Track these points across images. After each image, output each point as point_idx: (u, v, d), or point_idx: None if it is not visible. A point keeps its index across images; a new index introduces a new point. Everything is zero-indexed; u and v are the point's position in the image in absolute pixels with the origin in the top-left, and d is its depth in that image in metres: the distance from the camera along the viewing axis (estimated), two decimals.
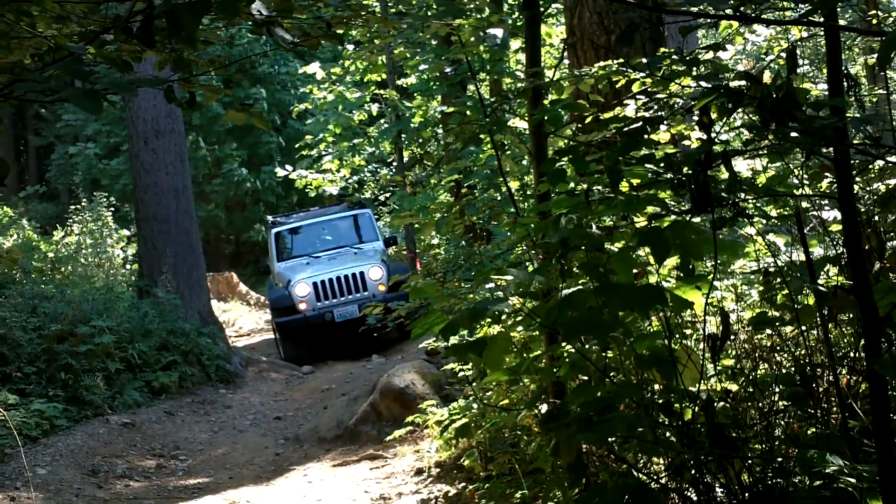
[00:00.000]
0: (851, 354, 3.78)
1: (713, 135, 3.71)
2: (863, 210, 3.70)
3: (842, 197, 3.16)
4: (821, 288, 3.56)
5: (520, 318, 4.62)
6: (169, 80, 4.13)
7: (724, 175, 3.62)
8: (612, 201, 3.83)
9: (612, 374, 3.87)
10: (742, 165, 5.18)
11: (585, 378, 4.09)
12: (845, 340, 3.97)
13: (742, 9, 3.58)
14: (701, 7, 3.62)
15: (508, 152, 7.33)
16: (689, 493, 3.61)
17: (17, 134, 33.74)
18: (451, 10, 6.39)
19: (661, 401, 3.58)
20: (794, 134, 3.56)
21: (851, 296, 3.27)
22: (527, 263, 5.57)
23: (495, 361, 3.92)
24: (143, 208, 15.09)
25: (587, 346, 4.01)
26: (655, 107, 5.12)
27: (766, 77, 3.89)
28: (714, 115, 3.80)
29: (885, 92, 6.84)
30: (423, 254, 16.03)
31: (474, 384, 6.47)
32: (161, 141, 15.07)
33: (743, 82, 3.76)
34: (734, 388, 3.92)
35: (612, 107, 5.45)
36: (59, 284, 12.58)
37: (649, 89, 5.18)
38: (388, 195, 18.44)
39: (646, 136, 4.12)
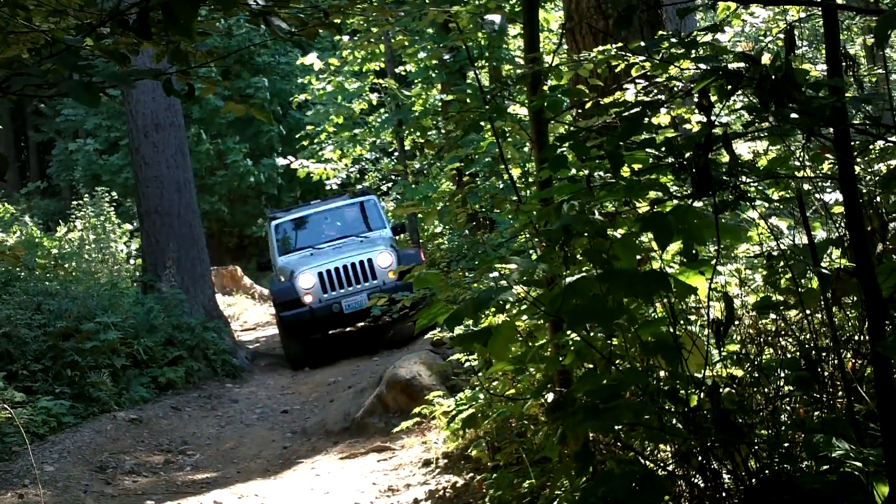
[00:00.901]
0: (856, 337, 3.76)
1: (713, 117, 3.69)
2: (864, 191, 3.68)
3: (843, 178, 3.14)
4: (824, 271, 3.55)
5: (524, 307, 4.62)
6: (167, 73, 4.11)
7: (726, 158, 3.61)
8: (614, 187, 3.81)
9: (617, 361, 3.85)
10: (743, 148, 5.17)
11: (591, 366, 4.08)
12: (850, 323, 3.96)
13: None
14: None
15: (510, 140, 7.31)
16: (695, 480, 3.60)
17: (17, 130, 33.73)
18: None
19: (666, 387, 3.58)
20: (793, 115, 3.54)
21: (854, 278, 3.26)
22: (530, 251, 5.55)
23: (500, 351, 3.91)
24: (145, 202, 15.09)
25: (592, 334, 3.99)
26: (655, 91, 5.10)
27: (766, 59, 3.87)
28: (713, 98, 3.78)
29: (883, 71, 6.81)
30: (426, 243, 15.97)
31: (480, 374, 6.46)
32: (161, 134, 15.05)
33: (742, 64, 3.74)
34: (739, 373, 3.91)
35: (612, 91, 5.44)
36: (63, 281, 12.59)
37: (648, 73, 5.16)
38: (389, 185, 18.39)
39: (646, 121, 4.10)
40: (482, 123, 6.94)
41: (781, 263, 3.93)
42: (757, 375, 3.77)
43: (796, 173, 3.94)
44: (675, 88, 5.01)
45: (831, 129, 3.22)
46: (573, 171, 4.38)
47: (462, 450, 6.74)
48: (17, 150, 33.67)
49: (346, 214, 15.62)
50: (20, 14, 4.01)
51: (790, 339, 4.09)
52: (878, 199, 3.70)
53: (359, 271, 13.66)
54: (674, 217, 3.48)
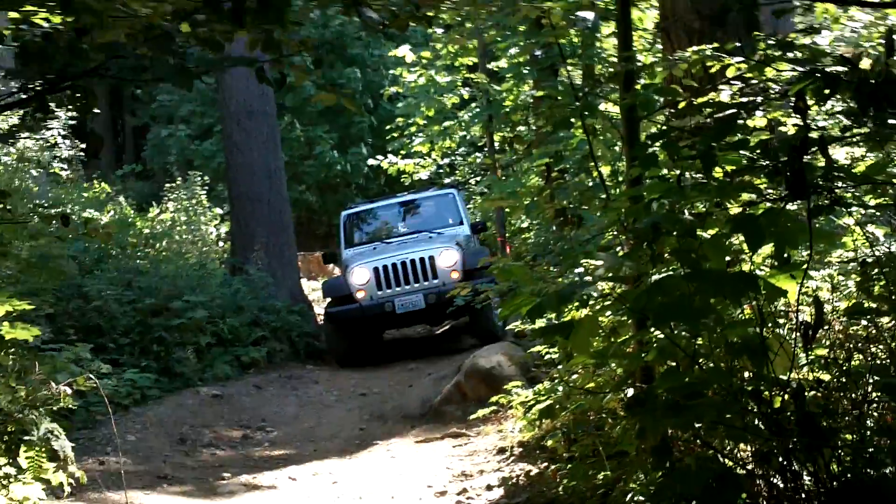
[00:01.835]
0: None
1: (809, 121, 3.66)
2: None
3: None
4: None
5: (608, 303, 4.62)
6: (260, 61, 4.20)
7: (822, 163, 3.57)
8: (706, 187, 3.79)
9: (700, 360, 3.84)
10: (840, 154, 5.09)
11: (673, 364, 4.07)
12: None
13: None
14: None
15: (601, 137, 7.30)
16: (775, 481, 3.57)
17: (115, 115, 34.51)
18: None
19: (750, 388, 3.56)
20: (892, 121, 3.49)
21: None
22: (617, 248, 5.54)
23: (582, 344, 3.92)
24: (235, 188, 15.37)
25: (676, 333, 3.98)
26: (750, 93, 5.06)
27: (866, 63, 3.82)
28: (810, 101, 3.75)
29: None
30: (513, 238, 15.94)
31: (560, 367, 6.47)
32: (253, 121, 15.30)
33: (841, 68, 3.70)
34: (826, 377, 3.86)
35: (706, 92, 5.40)
36: (153, 260, 12.90)
37: (744, 75, 5.12)
38: (478, 179, 18.40)
39: (741, 122, 4.07)
40: (572, 120, 6.94)
41: (876, 270, 3.87)
42: (844, 380, 3.72)
43: (894, 180, 3.88)
44: (772, 91, 4.97)
45: None
46: (664, 170, 4.37)
47: (538, 440, 6.76)
48: (113, 134, 34.44)
49: (421, 208, 14.69)
50: (118, 0, 4.13)
51: (881, 346, 4.03)
52: None
53: (419, 269, 12.63)
54: (766, 219, 3.45)
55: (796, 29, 7.19)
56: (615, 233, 5.61)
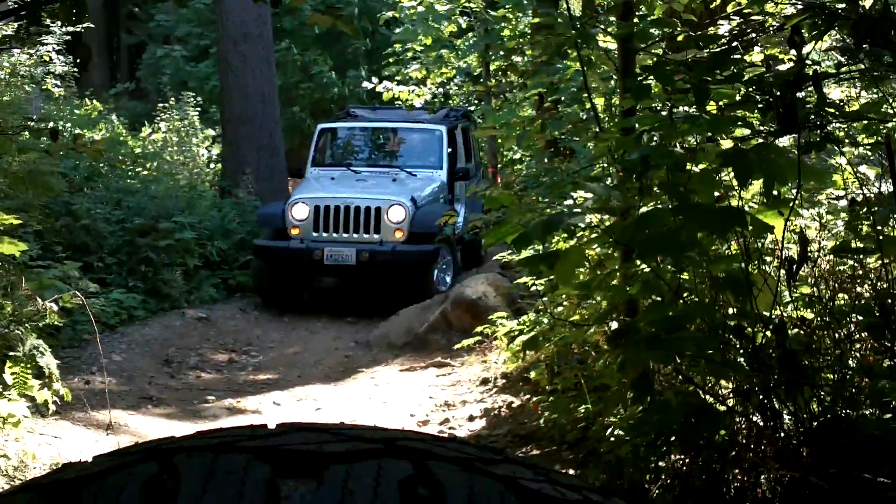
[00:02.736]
0: None
1: (805, 56, 3.59)
2: None
3: None
4: None
5: (595, 235, 4.58)
6: None
7: (816, 99, 3.52)
8: (698, 120, 3.74)
9: (685, 294, 3.82)
10: (836, 94, 5.02)
11: (658, 298, 4.05)
12: None
13: None
14: None
15: (597, 70, 7.21)
16: (755, 418, 3.57)
17: (110, 31, 34.11)
18: None
19: (732, 323, 3.54)
20: (888, 59, 3.43)
21: None
22: (606, 180, 5.49)
23: (567, 275, 3.89)
24: (228, 110, 15.26)
25: (662, 266, 3.96)
26: (749, 28, 4.97)
27: (867, 2, 3.75)
28: (808, 37, 3.68)
29: None
30: (504, 169, 15.84)
31: (545, 298, 6.46)
32: (249, 44, 15.16)
33: (840, 4, 3.63)
34: (810, 315, 3.84)
35: (706, 27, 5.31)
36: (143, 180, 12.82)
37: (744, 10, 5.03)
38: (472, 108, 18.24)
39: (736, 57, 4.00)
40: (568, 50, 6.83)
41: (864, 209, 3.83)
42: (828, 319, 3.70)
43: (888, 119, 3.82)
44: (771, 28, 4.88)
45: None
46: (657, 103, 4.31)
47: (521, 372, 6.78)
48: (108, 52, 34.07)
49: (404, 139, 13.20)
50: None
51: (866, 286, 4.01)
52: None
53: (361, 219, 10.95)
54: (755, 154, 3.40)
55: None
56: (605, 164, 5.56)
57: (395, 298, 10.54)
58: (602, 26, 5.93)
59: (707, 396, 3.68)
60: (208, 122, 20.02)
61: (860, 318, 3.49)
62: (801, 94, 3.47)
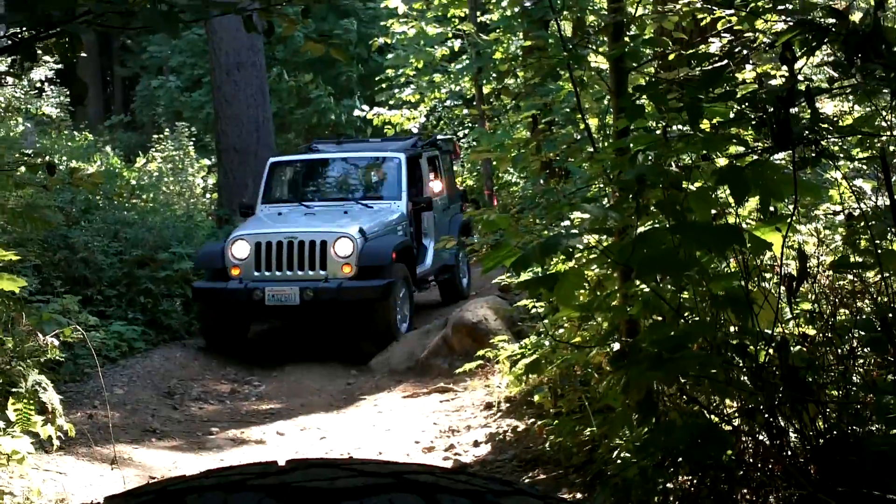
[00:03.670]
0: None
1: (797, 72, 3.61)
2: None
3: None
4: None
5: (594, 256, 4.59)
6: (247, 9, 4.13)
7: (809, 115, 3.53)
8: (692, 139, 3.75)
9: (685, 314, 3.82)
10: (829, 108, 5.04)
11: (659, 317, 4.05)
12: None
13: None
14: None
15: (589, 90, 7.25)
16: (760, 437, 3.56)
17: (104, 64, 34.21)
18: None
19: (734, 341, 3.54)
20: (879, 73, 3.45)
21: None
22: (604, 201, 5.51)
23: (567, 297, 3.89)
24: (223, 139, 15.33)
25: (661, 285, 3.96)
26: (740, 46, 5.00)
27: (856, 17, 3.78)
28: (799, 53, 3.71)
29: None
30: (500, 191, 15.86)
31: (546, 321, 6.46)
32: (242, 73, 15.26)
33: (830, 20, 3.65)
34: (812, 332, 3.85)
35: (697, 45, 5.35)
36: (140, 211, 12.84)
37: (735, 27, 5.06)
38: (465, 132, 18.29)
39: (728, 74, 4.02)
40: (560, 71, 6.86)
41: (862, 224, 3.84)
42: (829, 335, 3.71)
43: (882, 133, 3.84)
44: (762, 45, 4.91)
45: None
46: (651, 122, 4.33)
47: (524, 395, 6.77)
48: (102, 84, 34.18)
49: (360, 170, 12.16)
50: None
51: (866, 301, 4.02)
52: None
53: (305, 255, 10.11)
54: (751, 171, 3.42)
55: None
56: (601, 185, 5.58)
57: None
58: (593, 47, 5.96)
59: (712, 416, 3.68)
60: (203, 151, 20.08)
61: (862, 333, 3.49)
62: (794, 110, 3.49)
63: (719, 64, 4.61)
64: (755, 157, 3.56)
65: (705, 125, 3.78)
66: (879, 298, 3.80)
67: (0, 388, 5.84)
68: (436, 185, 12.71)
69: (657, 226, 3.84)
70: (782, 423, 3.47)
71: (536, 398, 6.31)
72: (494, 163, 14.19)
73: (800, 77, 3.60)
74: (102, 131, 26.06)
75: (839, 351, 3.69)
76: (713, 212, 3.90)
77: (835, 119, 3.84)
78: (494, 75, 15.79)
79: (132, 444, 7.05)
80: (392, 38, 18.31)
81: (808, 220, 4.80)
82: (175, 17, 3.42)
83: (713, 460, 3.51)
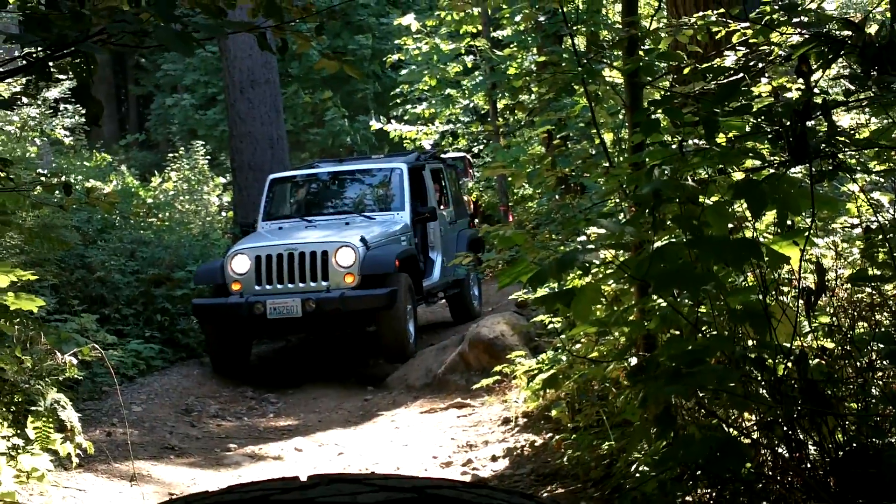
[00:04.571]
0: None
1: (813, 85, 3.61)
2: None
3: None
4: None
5: (610, 271, 4.59)
6: (261, 27, 4.16)
7: (825, 128, 3.53)
8: (708, 153, 3.75)
9: (703, 328, 3.82)
10: (846, 121, 5.04)
11: (676, 332, 4.05)
12: None
13: None
14: None
15: (604, 105, 7.26)
16: (779, 450, 3.55)
17: (119, 84, 34.41)
18: None
19: (753, 355, 3.53)
20: None
21: None
22: (620, 216, 5.51)
23: (583, 312, 3.88)
24: (238, 157, 15.39)
25: (679, 300, 3.96)
26: (755, 59, 5.00)
27: (872, 29, 3.78)
28: (814, 66, 3.70)
29: None
30: (516, 207, 15.85)
31: (563, 336, 6.46)
32: (256, 91, 15.32)
33: (846, 32, 3.65)
34: (830, 345, 3.84)
35: (712, 58, 5.34)
36: (156, 230, 12.90)
37: (750, 41, 5.06)
38: (480, 147, 18.30)
39: (744, 87, 4.03)
40: (575, 87, 6.88)
41: (880, 237, 3.83)
42: (848, 348, 3.69)
43: None
44: (778, 58, 4.91)
45: None
46: (666, 136, 4.32)
47: (542, 410, 6.76)
48: (117, 103, 34.37)
49: (361, 183, 11.97)
50: None
51: (885, 314, 4.00)
52: None
53: (307, 266, 9.92)
54: (768, 185, 3.41)
55: None
56: (617, 200, 5.58)
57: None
58: (608, 61, 5.97)
59: (731, 430, 3.66)
60: (218, 169, 20.17)
61: (881, 346, 3.48)
62: (810, 123, 3.49)
63: (735, 77, 4.61)
64: (772, 170, 3.56)
65: (721, 139, 3.78)
66: None
67: (19, 407, 5.88)
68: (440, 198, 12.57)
69: (674, 240, 3.84)
70: (801, 436, 3.46)
71: (554, 413, 6.30)
72: (509, 178, 14.18)
73: (816, 90, 3.59)
74: (118, 150, 26.22)
75: (858, 364, 3.67)
76: (730, 226, 3.90)
77: (851, 132, 3.83)
78: (508, 91, 15.81)
79: (151, 460, 7.07)
80: (406, 54, 18.37)
81: (825, 233, 4.79)
82: (189, 37, 3.45)
83: (732, 474, 3.49)
